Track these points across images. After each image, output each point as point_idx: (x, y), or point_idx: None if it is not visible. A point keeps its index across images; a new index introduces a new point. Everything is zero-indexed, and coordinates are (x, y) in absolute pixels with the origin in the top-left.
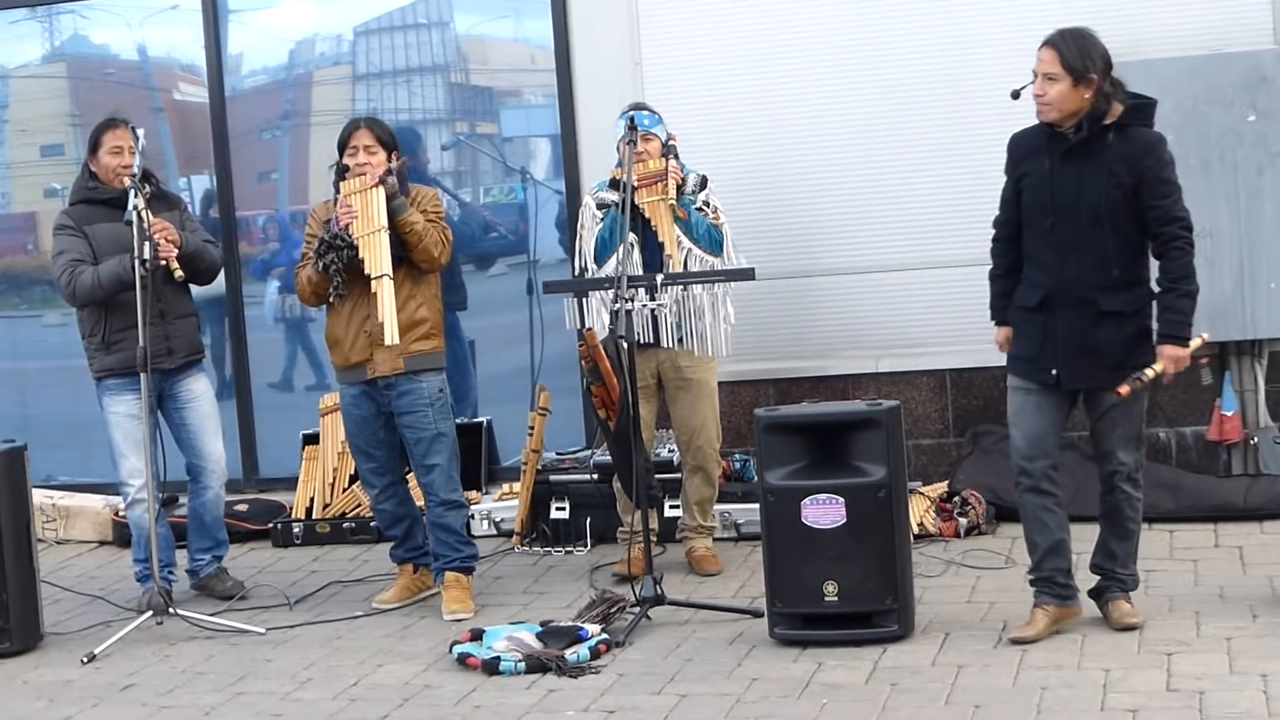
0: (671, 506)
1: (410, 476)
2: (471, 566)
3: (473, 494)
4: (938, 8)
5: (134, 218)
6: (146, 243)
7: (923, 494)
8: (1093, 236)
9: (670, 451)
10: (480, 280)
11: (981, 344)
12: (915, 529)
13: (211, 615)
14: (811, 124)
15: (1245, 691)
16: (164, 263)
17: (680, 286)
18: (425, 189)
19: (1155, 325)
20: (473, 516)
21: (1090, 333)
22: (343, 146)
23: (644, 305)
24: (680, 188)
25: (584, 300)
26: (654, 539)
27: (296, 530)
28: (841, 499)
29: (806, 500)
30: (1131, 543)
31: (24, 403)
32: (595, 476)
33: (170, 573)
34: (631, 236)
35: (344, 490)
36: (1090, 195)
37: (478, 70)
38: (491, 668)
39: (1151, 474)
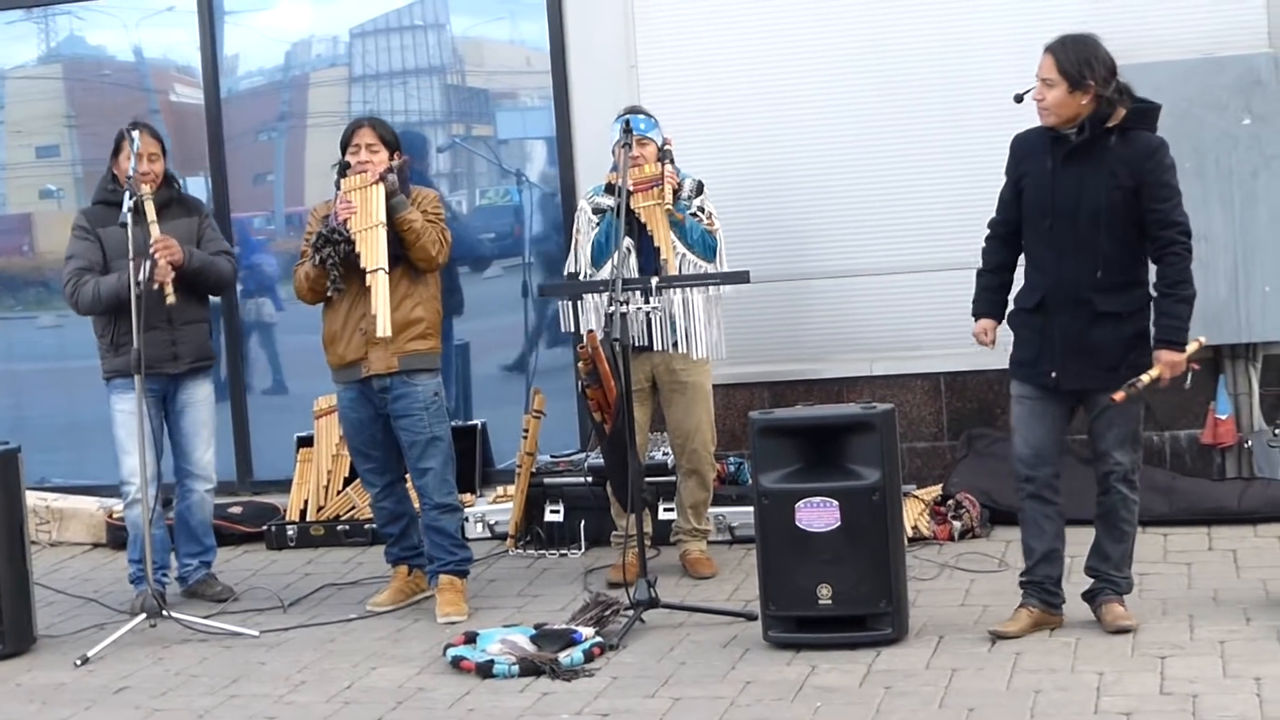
0: (666, 509)
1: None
2: (466, 570)
3: (467, 496)
4: (937, 11)
5: (128, 219)
6: (145, 262)
7: (917, 497)
8: (1091, 238)
9: (665, 455)
10: (475, 283)
11: (976, 347)
12: (909, 532)
13: (205, 618)
14: (807, 127)
15: (1239, 695)
16: (157, 287)
17: (675, 290)
18: (426, 190)
19: (1152, 329)
20: (467, 519)
21: (1087, 333)
22: (345, 144)
23: (639, 309)
24: (676, 193)
25: (579, 303)
26: (648, 542)
27: (290, 533)
28: (836, 502)
29: (800, 503)
30: (1126, 545)
31: (18, 405)
32: (590, 479)
33: (164, 575)
34: (627, 241)
35: (338, 493)
36: (1090, 197)
37: (473, 72)
38: (485, 670)
39: (1146, 477)
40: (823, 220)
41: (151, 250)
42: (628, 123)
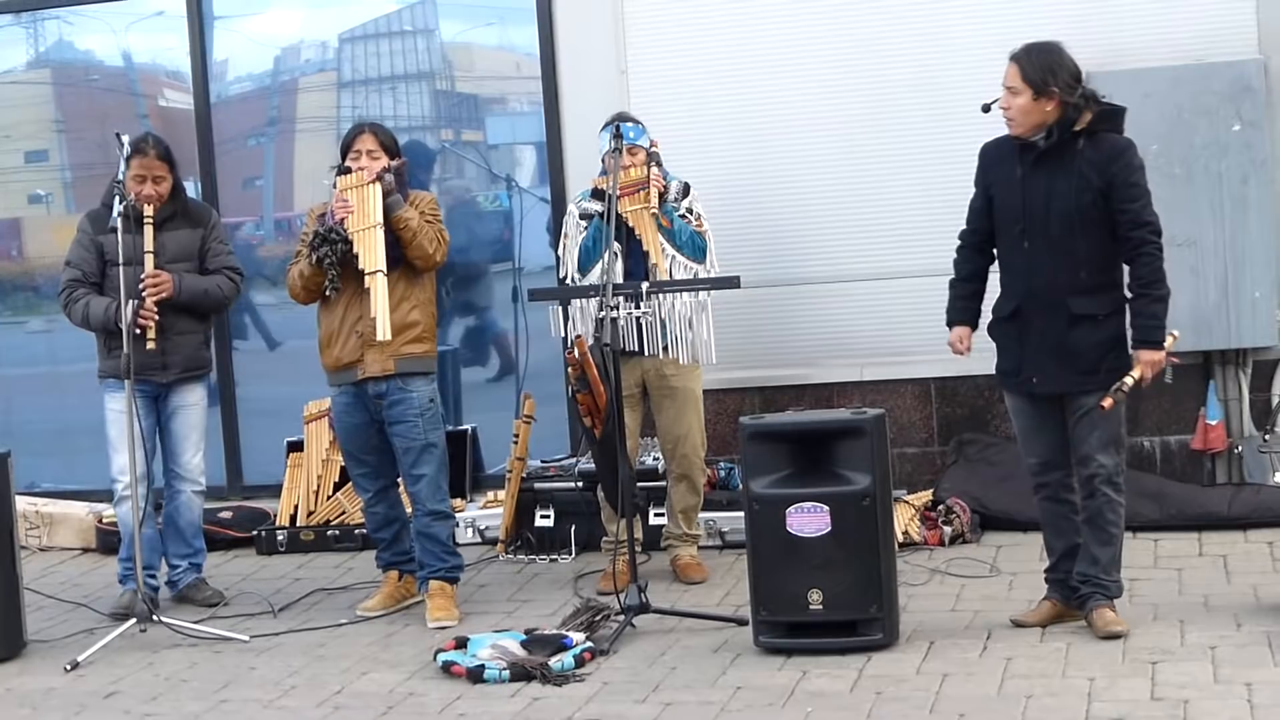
0: (656, 514)
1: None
2: (456, 576)
3: (457, 502)
4: (922, 17)
5: (117, 224)
6: (132, 301)
7: (907, 502)
8: (1064, 242)
9: (655, 460)
10: (465, 287)
11: None
12: (900, 537)
13: (195, 623)
14: (796, 132)
15: (1229, 700)
16: (139, 332)
17: (665, 295)
18: (423, 193)
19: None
20: (457, 524)
21: (1064, 337)
22: (345, 149)
23: (628, 313)
24: (663, 195)
25: (569, 309)
26: (638, 547)
27: (280, 538)
28: (826, 507)
29: (791, 508)
30: (1114, 548)
31: (8, 409)
32: (580, 484)
33: (152, 575)
34: (616, 245)
35: (328, 498)
36: (1061, 201)
37: (463, 77)
38: (476, 676)
39: (1136, 483)
40: (813, 226)
41: (141, 287)
42: (618, 129)
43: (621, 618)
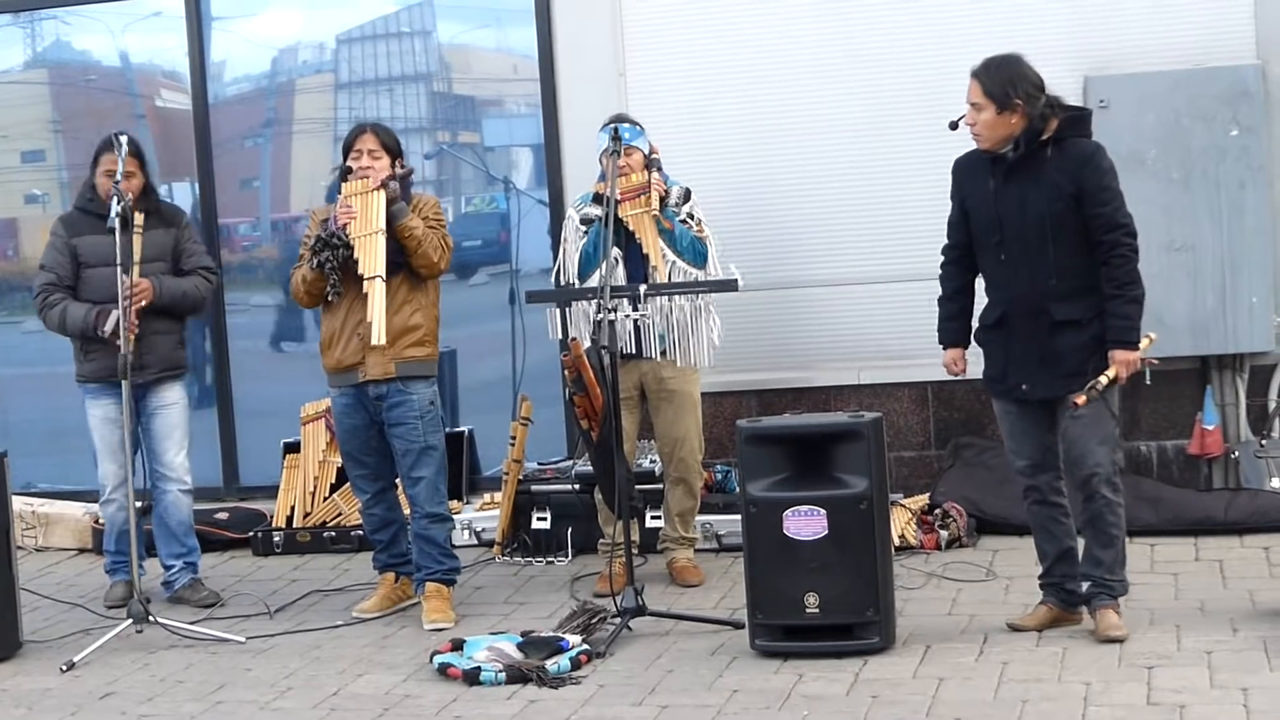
0: (653, 517)
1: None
2: (453, 579)
3: (454, 503)
4: (922, 21)
5: (115, 225)
6: (114, 311)
7: (904, 506)
8: (1041, 250)
9: (652, 462)
10: (463, 289)
11: None
12: (896, 541)
13: (191, 624)
14: (795, 135)
15: (1225, 705)
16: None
17: (664, 298)
18: (426, 197)
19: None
20: (454, 526)
21: (1049, 343)
22: (347, 149)
23: (627, 316)
24: (664, 200)
25: (567, 311)
26: (635, 550)
27: (277, 539)
28: (823, 511)
29: (788, 512)
30: (1116, 549)
31: (4, 409)
32: (577, 487)
33: (140, 567)
34: (616, 250)
35: (325, 499)
36: (1035, 210)
37: (460, 79)
38: (472, 678)
39: (1133, 487)
40: (811, 229)
41: (124, 295)
42: (616, 130)
43: (618, 620)
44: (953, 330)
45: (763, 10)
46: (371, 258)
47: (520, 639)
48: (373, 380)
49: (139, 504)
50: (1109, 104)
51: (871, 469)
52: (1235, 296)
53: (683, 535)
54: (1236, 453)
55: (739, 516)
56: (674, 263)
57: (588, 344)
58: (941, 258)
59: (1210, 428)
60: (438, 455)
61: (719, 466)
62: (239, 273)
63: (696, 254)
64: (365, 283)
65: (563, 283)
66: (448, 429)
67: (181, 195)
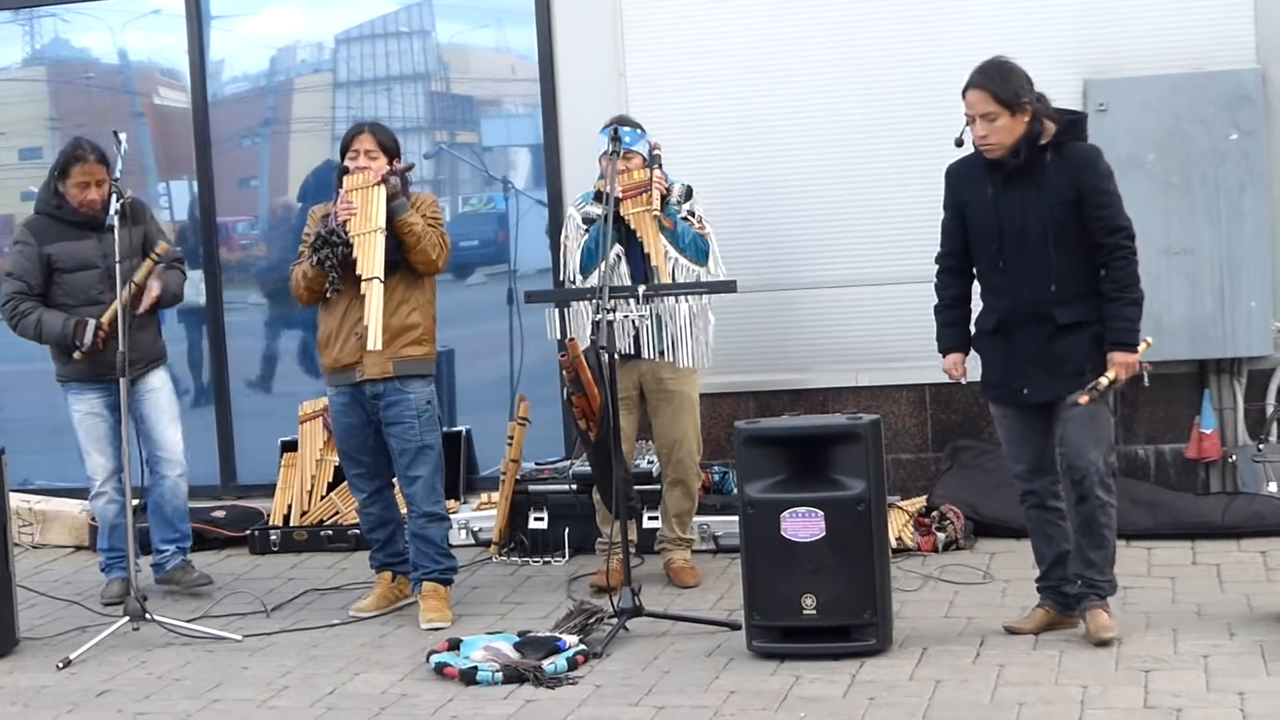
0: (650, 518)
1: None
2: (450, 578)
3: (451, 503)
4: (921, 24)
5: (115, 222)
6: (90, 324)
7: (901, 508)
8: (1042, 255)
9: (650, 463)
10: (461, 289)
11: None
12: (893, 543)
13: (188, 621)
14: (794, 137)
15: (1222, 709)
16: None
17: (663, 298)
18: (424, 195)
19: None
20: (451, 526)
21: (1049, 347)
22: (345, 149)
23: (625, 316)
24: (665, 198)
25: (565, 311)
26: (632, 550)
27: (274, 537)
28: (821, 512)
29: (786, 513)
30: (1107, 550)
31: (1, 406)
32: (574, 487)
33: (136, 564)
34: (618, 248)
35: (322, 498)
36: (1036, 215)
37: (459, 79)
38: (469, 677)
39: (1130, 491)
40: (809, 231)
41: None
42: (616, 131)
43: (615, 621)
44: (952, 336)
45: (762, 12)
46: (370, 258)
47: (517, 639)
48: (370, 379)
49: (134, 503)
50: (1109, 107)
51: (869, 471)
52: (1234, 300)
53: (680, 536)
54: (1234, 457)
55: (736, 518)
56: (676, 260)
57: (586, 344)
58: (936, 266)
59: (1208, 432)
60: (435, 454)
61: (717, 468)
62: (237, 271)
63: (698, 251)
64: (363, 284)
65: (563, 282)
66: (445, 428)
67: (179, 193)
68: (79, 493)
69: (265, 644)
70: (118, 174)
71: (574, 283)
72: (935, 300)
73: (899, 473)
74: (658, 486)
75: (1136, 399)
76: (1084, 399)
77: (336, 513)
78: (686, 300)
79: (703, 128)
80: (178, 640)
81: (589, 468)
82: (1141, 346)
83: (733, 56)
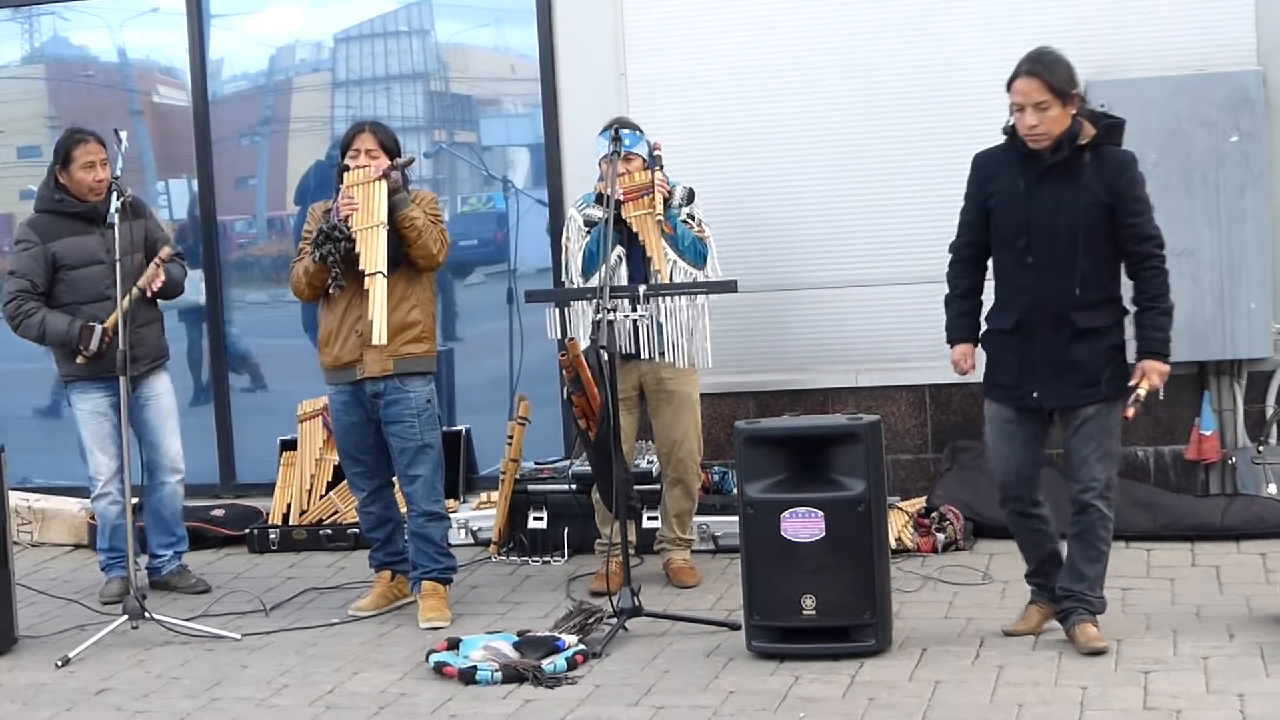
0: (650, 518)
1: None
2: (449, 578)
3: (450, 502)
4: (921, 25)
5: (115, 220)
6: (97, 328)
7: (901, 509)
8: (1069, 256)
9: (650, 463)
10: (460, 289)
11: None
12: (893, 544)
13: (187, 620)
14: (794, 138)
15: (1222, 711)
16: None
17: (663, 298)
18: (424, 192)
19: (1128, 341)
20: (451, 525)
21: (1067, 351)
22: (345, 148)
23: (626, 316)
24: (667, 200)
25: (566, 311)
26: (632, 550)
27: (273, 536)
28: (821, 513)
29: (786, 513)
30: (1101, 565)
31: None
32: (574, 487)
33: (135, 563)
34: (620, 249)
35: (321, 497)
36: (1068, 215)
37: (458, 78)
38: (468, 677)
39: (1129, 492)
40: (810, 231)
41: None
42: (617, 132)
43: (614, 621)
44: (964, 327)
45: (763, 13)
46: (373, 252)
47: (516, 638)
48: (370, 377)
49: (134, 501)
50: (1110, 108)
51: (869, 472)
52: (1234, 302)
53: (680, 536)
54: (1233, 458)
55: (736, 518)
56: (675, 263)
57: (585, 344)
58: (950, 255)
59: (1207, 433)
60: (434, 453)
61: (717, 468)
62: (235, 270)
63: (697, 254)
64: (366, 279)
65: (565, 283)
66: (445, 428)
67: (179, 192)
68: (77, 491)
69: (264, 643)
70: (118, 172)
71: (576, 284)
72: (946, 290)
73: (898, 473)
74: (657, 486)
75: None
76: (1130, 413)
77: (336, 512)
78: (689, 300)
79: (703, 127)
80: (176, 639)
81: (589, 467)
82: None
83: (733, 57)
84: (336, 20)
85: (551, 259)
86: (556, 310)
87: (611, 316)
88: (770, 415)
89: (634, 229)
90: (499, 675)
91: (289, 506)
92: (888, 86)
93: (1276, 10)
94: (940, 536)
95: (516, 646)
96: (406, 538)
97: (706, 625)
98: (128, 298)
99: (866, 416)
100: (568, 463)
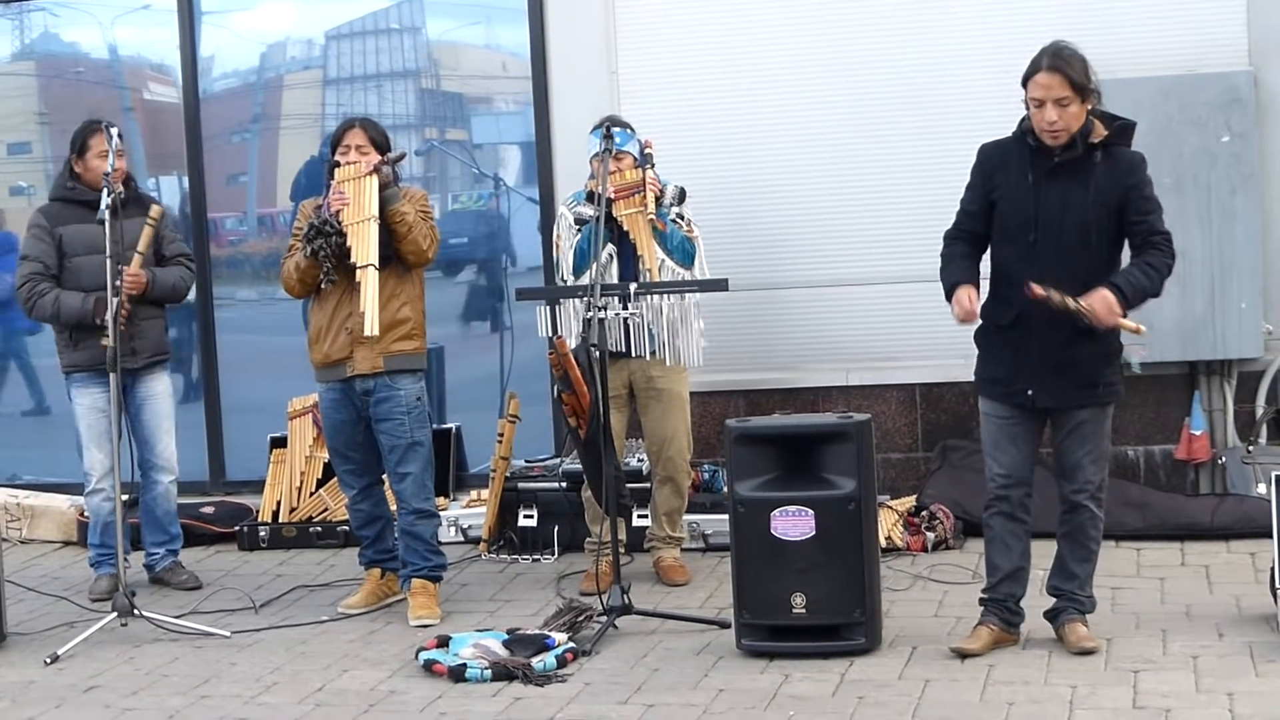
0: (640, 516)
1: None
2: (439, 575)
3: (441, 500)
4: (912, 24)
5: (105, 216)
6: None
7: (891, 508)
8: (1074, 254)
9: (640, 461)
10: (450, 286)
11: (951, 359)
12: (883, 543)
13: (176, 617)
14: (785, 137)
15: (1211, 710)
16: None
17: (653, 296)
18: (414, 189)
19: (1121, 339)
20: (441, 523)
21: (1066, 350)
22: (335, 144)
23: (616, 314)
24: (659, 199)
25: (557, 308)
26: (622, 548)
27: (263, 533)
28: (811, 511)
29: (776, 512)
30: (1091, 564)
31: None
32: (564, 485)
33: (125, 560)
34: (611, 247)
35: (311, 494)
36: (1076, 212)
37: (449, 76)
38: (458, 675)
39: (1119, 492)
40: (800, 230)
41: (121, 281)
42: (608, 130)
43: (604, 619)
44: (962, 270)
45: (754, 12)
46: (365, 245)
47: (506, 636)
48: (360, 374)
49: (123, 497)
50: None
51: (860, 470)
52: (1224, 302)
53: (669, 535)
54: (1223, 458)
55: (726, 516)
56: (663, 262)
57: (574, 342)
58: (944, 242)
59: (1198, 433)
60: (424, 451)
61: (706, 466)
62: (226, 267)
63: (685, 254)
64: (358, 271)
65: (556, 281)
66: (435, 425)
67: (169, 189)
68: (67, 487)
69: (254, 640)
70: (109, 168)
71: (566, 282)
72: (942, 250)
73: (889, 472)
74: (647, 485)
75: (1126, 399)
76: (1038, 290)
77: (325, 509)
78: (678, 298)
79: (693, 126)
80: (166, 636)
81: (579, 465)
82: (1133, 324)
83: (724, 56)
84: (327, 17)
85: (542, 257)
86: (547, 308)
87: (602, 314)
88: (760, 414)
89: (625, 227)
90: (489, 673)
91: (279, 504)
92: (878, 86)
93: (1268, 11)
94: (930, 535)
95: (506, 644)
96: (396, 535)
97: (696, 623)
98: (117, 300)
99: (857, 415)
100: (558, 461)
